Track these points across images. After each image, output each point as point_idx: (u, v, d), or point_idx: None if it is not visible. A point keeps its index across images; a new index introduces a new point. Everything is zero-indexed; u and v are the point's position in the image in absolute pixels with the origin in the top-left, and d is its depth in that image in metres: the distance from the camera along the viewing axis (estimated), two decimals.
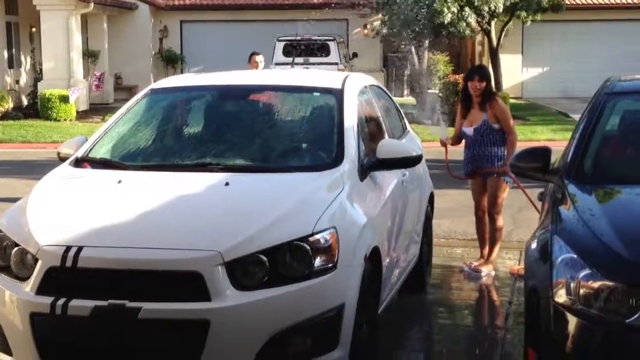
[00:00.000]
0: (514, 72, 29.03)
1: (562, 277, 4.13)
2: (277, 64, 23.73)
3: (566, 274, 4.12)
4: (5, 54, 24.30)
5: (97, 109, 24.24)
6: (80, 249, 4.49)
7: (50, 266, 4.50)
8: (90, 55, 26.41)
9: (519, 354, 5.56)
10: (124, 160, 5.63)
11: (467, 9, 21.29)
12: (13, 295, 4.57)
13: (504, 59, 26.78)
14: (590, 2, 29.44)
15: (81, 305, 4.40)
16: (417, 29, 22.20)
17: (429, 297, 7.37)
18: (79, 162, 5.64)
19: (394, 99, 7.77)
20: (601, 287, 4.00)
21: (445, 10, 20.73)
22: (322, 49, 25.37)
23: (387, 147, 5.67)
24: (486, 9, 22.25)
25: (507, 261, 8.42)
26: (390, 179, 6.00)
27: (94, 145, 5.78)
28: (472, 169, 8.00)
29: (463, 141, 8.12)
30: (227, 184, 5.06)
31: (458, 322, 6.97)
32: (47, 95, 22.23)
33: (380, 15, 25.95)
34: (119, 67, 28.08)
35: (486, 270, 7.99)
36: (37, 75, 24.74)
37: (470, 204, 8.29)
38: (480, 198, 8.08)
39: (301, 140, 5.81)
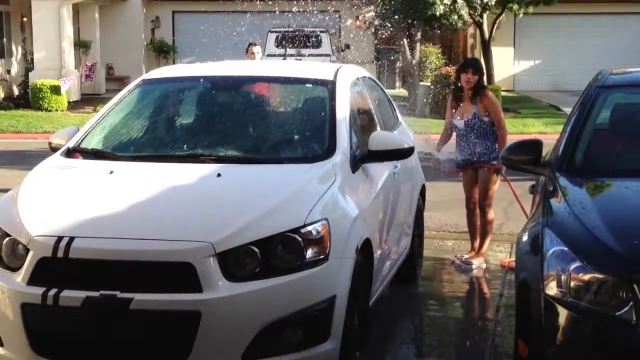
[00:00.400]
0: (506, 65, 29.07)
1: (552, 269, 4.15)
2: (269, 55, 23.65)
3: (557, 267, 4.13)
4: None
5: (88, 100, 24.18)
6: (71, 239, 4.48)
7: (42, 257, 4.49)
8: (81, 46, 26.33)
9: (510, 346, 5.58)
10: (116, 150, 5.62)
11: (459, 1, 21.27)
12: (4, 285, 4.56)
13: (496, 51, 26.82)
14: None
15: (72, 295, 4.39)
16: (409, 20, 22.16)
17: (420, 290, 7.39)
18: (70, 153, 5.63)
19: (386, 90, 7.78)
20: (591, 280, 4.01)
21: (438, 2, 20.71)
22: (314, 41, 25.32)
23: (379, 138, 5.67)
24: (478, 1, 22.22)
25: (498, 254, 8.44)
26: (382, 171, 6.00)
27: (86, 136, 5.76)
28: (463, 162, 8.01)
29: (454, 135, 8.14)
30: (219, 175, 5.05)
31: (449, 314, 6.98)
32: (38, 86, 22.16)
33: (372, 7, 25.90)
34: (110, 57, 27.99)
35: (477, 263, 8.01)
36: (28, 65, 24.67)
37: (461, 197, 8.30)
38: (472, 191, 8.09)
39: (293, 131, 5.80)
